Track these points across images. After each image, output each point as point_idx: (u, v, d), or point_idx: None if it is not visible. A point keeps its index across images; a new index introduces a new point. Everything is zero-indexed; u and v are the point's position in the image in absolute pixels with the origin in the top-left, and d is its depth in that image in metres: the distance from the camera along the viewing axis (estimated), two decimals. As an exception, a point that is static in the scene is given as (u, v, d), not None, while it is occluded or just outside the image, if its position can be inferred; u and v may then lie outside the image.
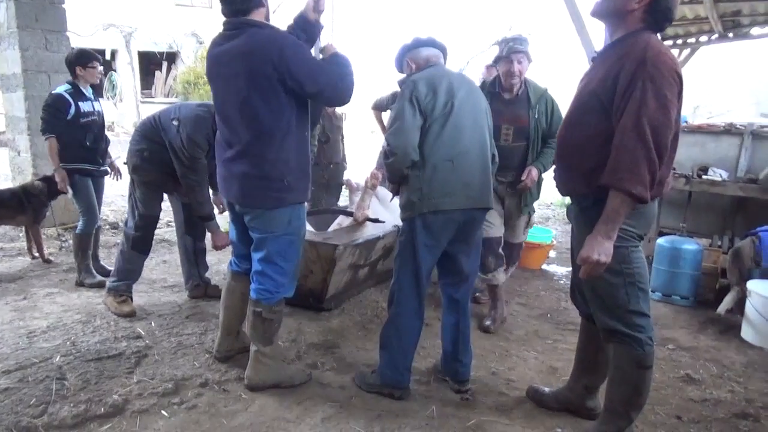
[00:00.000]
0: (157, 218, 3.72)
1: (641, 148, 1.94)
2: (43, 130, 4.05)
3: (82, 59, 4.09)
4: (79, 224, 4.21)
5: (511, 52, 3.42)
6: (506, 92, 3.52)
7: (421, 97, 2.54)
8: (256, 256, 2.67)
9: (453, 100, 2.57)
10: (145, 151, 3.48)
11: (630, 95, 1.98)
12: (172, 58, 18.29)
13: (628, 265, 2.16)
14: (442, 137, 2.55)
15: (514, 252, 3.87)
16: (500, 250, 3.64)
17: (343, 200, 5.64)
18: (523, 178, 3.47)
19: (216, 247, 3.63)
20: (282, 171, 2.52)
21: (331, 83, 2.47)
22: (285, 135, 2.50)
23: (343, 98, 2.55)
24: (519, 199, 3.63)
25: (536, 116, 3.45)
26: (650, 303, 2.27)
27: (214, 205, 3.70)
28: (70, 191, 4.15)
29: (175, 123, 3.34)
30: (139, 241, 3.64)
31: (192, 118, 3.33)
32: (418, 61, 2.75)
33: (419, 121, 2.54)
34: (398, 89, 2.72)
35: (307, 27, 2.70)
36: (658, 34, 2.16)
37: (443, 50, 2.81)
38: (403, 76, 2.83)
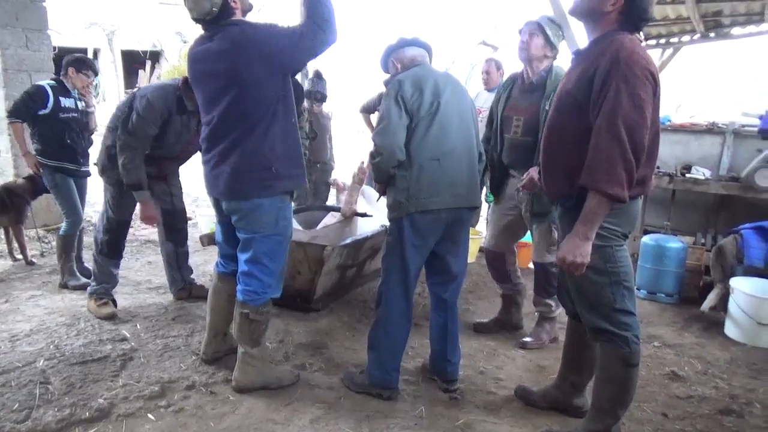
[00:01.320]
0: (127, 223, 3.64)
1: (617, 148, 1.95)
2: (9, 112, 4.04)
3: (77, 63, 4.08)
4: (63, 226, 4.16)
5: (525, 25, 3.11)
6: (525, 79, 3.17)
7: (407, 97, 2.53)
8: (242, 256, 2.66)
9: (439, 100, 2.57)
10: (111, 149, 3.35)
11: (604, 96, 1.99)
12: (155, 56, 18.12)
13: (614, 264, 2.17)
14: (428, 137, 2.55)
15: (537, 275, 3.34)
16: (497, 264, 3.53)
17: (331, 200, 5.62)
18: (522, 178, 3.06)
19: (143, 219, 3.48)
20: (269, 158, 2.51)
21: (316, 38, 2.41)
22: (270, 124, 2.49)
23: (331, 40, 2.46)
24: (530, 206, 3.18)
25: (546, 107, 2.95)
26: (636, 301, 2.29)
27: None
28: (52, 190, 4.11)
29: (137, 91, 3.33)
30: (107, 246, 3.56)
31: (156, 86, 3.32)
32: (403, 61, 2.74)
33: (405, 120, 2.54)
34: (384, 90, 2.70)
35: None
36: (641, 34, 2.17)
37: (428, 50, 2.81)
38: (388, 76, 2.82)
